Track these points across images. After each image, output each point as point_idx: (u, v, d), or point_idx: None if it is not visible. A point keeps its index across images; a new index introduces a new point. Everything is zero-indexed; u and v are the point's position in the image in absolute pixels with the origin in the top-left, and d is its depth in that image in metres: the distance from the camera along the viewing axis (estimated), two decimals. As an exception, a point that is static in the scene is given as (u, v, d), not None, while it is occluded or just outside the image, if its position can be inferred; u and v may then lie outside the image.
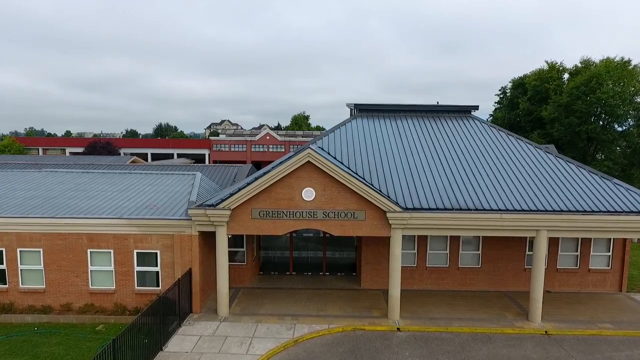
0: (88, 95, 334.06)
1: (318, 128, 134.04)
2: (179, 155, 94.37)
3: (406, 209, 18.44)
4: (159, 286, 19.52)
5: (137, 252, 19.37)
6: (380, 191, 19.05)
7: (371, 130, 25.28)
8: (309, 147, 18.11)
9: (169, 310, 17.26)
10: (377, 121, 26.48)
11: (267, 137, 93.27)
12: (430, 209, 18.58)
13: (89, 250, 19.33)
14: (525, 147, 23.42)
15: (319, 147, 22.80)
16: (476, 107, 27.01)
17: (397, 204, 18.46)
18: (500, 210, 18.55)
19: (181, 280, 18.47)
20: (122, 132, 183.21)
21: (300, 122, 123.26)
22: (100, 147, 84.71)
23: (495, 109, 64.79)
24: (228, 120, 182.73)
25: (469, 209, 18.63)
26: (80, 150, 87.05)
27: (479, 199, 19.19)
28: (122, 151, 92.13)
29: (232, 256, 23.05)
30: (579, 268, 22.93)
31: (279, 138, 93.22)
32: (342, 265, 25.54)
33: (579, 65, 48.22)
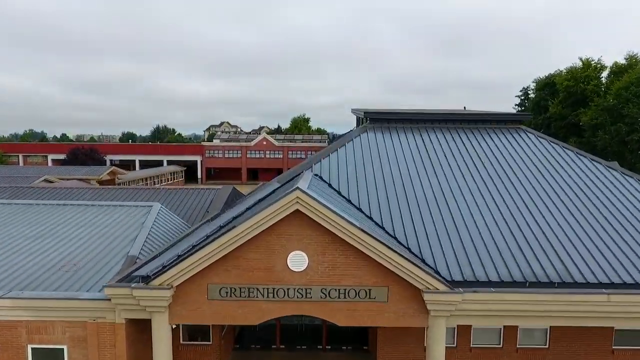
0: (90, 97, 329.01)
1: (319, 130, 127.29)
2: (169, 162, 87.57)
3: (453, 284, 11.57)
4: (68, 400, 12.68)
5: (32, 349, 12.51)
6: (411, 253, 12.21)
7: (388, 148, 18.39)
8: (298, 188, 11.23)
9: None
10: (395, 135, 19.59)
11: (264, 143, 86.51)
12: (490, 284, 11.73)
13: (-43, 346, 12.52)
14: (608, 174, 16.55)
15: (316, 176, 15.98)
16: (528, 116, 20.16)
17: (438, 275, 11.61)
18: (602, 284, 11.69)
19: (100, 393, 11.69)
20: (120, 135, 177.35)
21: (299, 125, 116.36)
22: (82, 154, 78.10)
23: (517, 112, 57.95)
24: (227, 122, 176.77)
25: (551, 282, 11.77)
26: (63, 157, 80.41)
27: (563, 264, 12.30)
28: (108, 158, 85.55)
29: (192, 333, 16.19)
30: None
31: (276, 143, 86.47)
32: (349, 335, 18.65)
33: (623, 62, 41.27)
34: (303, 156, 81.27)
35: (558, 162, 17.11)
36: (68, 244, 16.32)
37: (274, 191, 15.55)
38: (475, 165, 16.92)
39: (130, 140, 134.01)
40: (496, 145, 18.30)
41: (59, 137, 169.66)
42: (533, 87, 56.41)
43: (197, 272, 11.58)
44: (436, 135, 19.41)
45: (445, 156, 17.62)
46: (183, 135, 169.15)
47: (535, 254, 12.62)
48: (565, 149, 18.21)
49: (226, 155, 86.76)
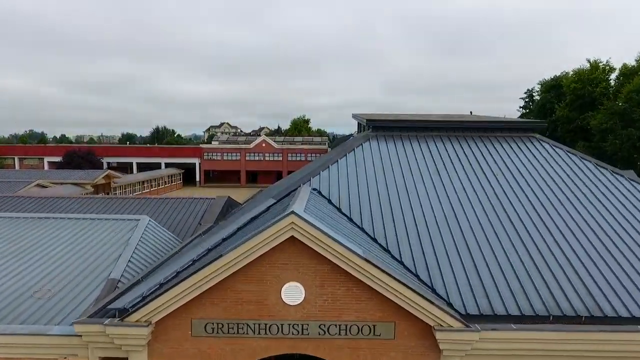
0: (90, 97, 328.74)
1: (319, 131, 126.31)
2: (167, 165, 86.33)
3: (468, 318, 10.25)
4: None
5: (-4, 389, 11.24)
6: (420, 282, 10.90)
7: (393, 159, 17.06)
8: (293, 212, 9.91)
9: None
10: (400, 144, 18.27)
11: (263, 145, 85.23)
12: (510, 318, 10.41)
13: None
14: (632, 189, 15.20)
15: (314, 190, 14.68)
16: (543, 124, 18.83)
17: (451, 309, 10.30)
18: (636, 319, 10.37)
19: None
20: (120, 136, 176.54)
21: (300, 126, 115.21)
22: (78, 156, 76.89)
23: (521, 115, 56.63)
24: (227, 123, 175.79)
25: (578, 316, 10.46)
26: (59, 159, 79.21)
27: (590, 294, 10.98)
28: (105, 160, 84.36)
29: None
30: None
31: (276, 146, 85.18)
32: None
33: (633, 63, 39.90)
34: (303, 158, 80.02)
35: (577, 176, 15.77)
36: (45, 264, 15.03)
37: (268, 208, 14.26)
38: (487, 179, 15.58)
39: (128, 142, 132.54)
40: (509, 157, 16.96)
41: (58, 137, 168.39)
42: (538, 89, 55.12)
43: (179, 306, 10.28)
44: (444, 144, 18.09)
45: (455, 168, 16.29)
46: (183, 136, 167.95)
47: (559, 283, 11.29)
48: (583, 160, 16.89)
49: (225, 158, 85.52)
